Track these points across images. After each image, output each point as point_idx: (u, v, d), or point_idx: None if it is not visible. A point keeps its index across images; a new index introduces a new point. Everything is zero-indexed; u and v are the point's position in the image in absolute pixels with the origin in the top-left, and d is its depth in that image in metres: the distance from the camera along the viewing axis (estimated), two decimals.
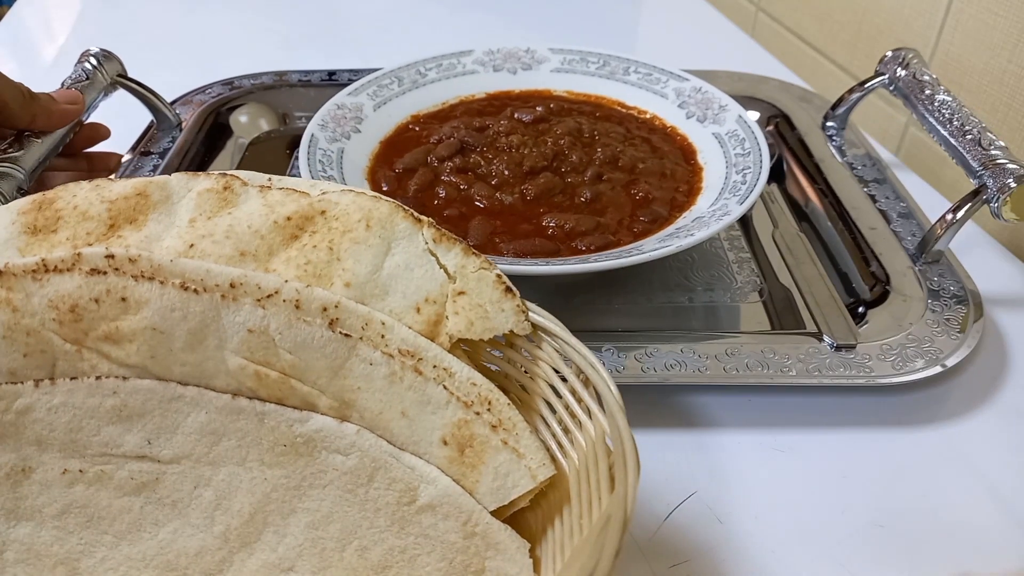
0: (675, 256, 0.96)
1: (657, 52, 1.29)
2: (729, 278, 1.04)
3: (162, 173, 1.06)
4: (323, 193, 0.66)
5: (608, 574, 0.47)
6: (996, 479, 0.79)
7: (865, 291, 0.99)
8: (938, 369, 0.85)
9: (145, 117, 1.25)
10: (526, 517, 0.64)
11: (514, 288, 0.64)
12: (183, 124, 1.28)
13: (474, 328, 0.63)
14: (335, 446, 0.62)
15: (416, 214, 0.65)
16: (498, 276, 0.64)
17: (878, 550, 0.73)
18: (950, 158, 1.04)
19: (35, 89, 0.95)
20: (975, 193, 0.97)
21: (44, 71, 1.60)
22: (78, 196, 0.65)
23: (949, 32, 1.32)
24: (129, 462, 0.62)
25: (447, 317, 0.63)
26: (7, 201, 0.88)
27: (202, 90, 1.38)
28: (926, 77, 1.14)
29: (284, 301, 0.60)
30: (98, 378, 0.61)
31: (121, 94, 1.19)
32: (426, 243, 0.65)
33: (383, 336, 0.61)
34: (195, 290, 0.60)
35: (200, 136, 1.28)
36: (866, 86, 1.24)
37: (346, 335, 0.61)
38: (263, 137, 1.35)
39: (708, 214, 0.98)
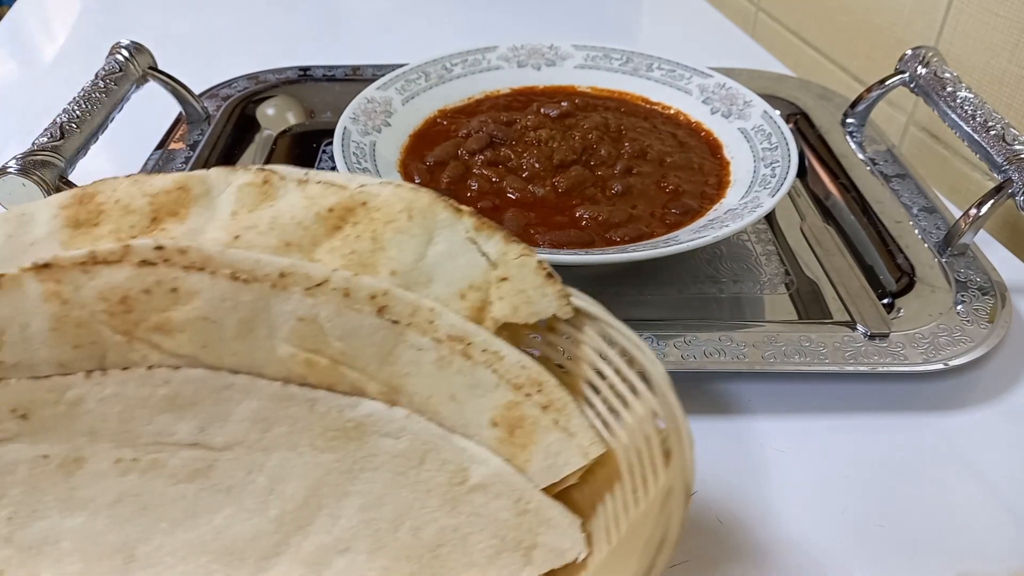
0: (704, 249, 1.02)
1: (657, 52, 1.31)
2: (757, 270, 1.07)
3: (194, 165, 1.16)
4: (361, 186, 0.68)
5: (676, 542, 0.50)
6: (997, 478, 0.81)
7: (891, 283, 1.02)
8: (973, 356, 0.88)
9: (151, 113, 1.28)
10: (572, 496, 0.66)
11: (555, 273, 0.66)
12: (210, 117, 1.31)
13: (519, 313, 0.65)
14: (385, 430, 0.64)
15: (456, 204, 0.68)
16: (539, 262, 0.66)
17: (878, 550, 0.74)
18: (951, 157, 1.09)
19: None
20: (999, 188, 1.00)
21: (44, 71, 1.63)
22: (118, 190, 0.67)
23: (949, 32, 1.34)
24: (182, 450, 0.64)
25: (491, 303, 0.66)
26: (49, 189, 0.93)
27: (227, 84, 1.41)
28: (947, 75, 1.16)
29: (333, 290, 0.62)
30: (149, 368, 0.63)
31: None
32: (467, 232, 0.67)
33: (431, 322, 0.64)
34: (245, 280, 0.62)
35: (228, 129, 1.32)
36: (886, 84, 1.26)
37: (394, 322, 0.63)
38: (290, 130, 1.38)
39: (740, 206, 1.00)
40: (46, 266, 0.61)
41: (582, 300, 0.67)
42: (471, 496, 0.64)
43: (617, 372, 0.64)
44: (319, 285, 0.63)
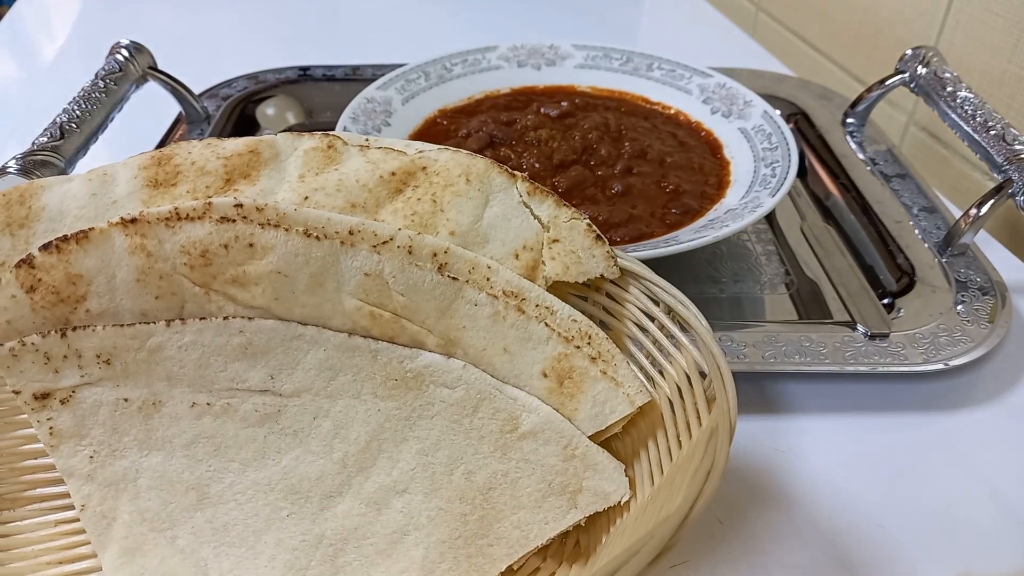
0: (704, 249, 1.02)
1: (658, 52, 1.32)
2: (757, 270, 1.08)
3: None
4: (420, 152, 0.73)
5: (722, 475, 0.53)
6: (997, 478, 0.82)
7: (891, 283, 1.03)
8: (974, 356, 0.89)
9: (151, 113, 1.31)
10: (615, 445, 0.71)
11: (603, 236, 0.71)
12: (210, 117, 1.32)
13: (569, 272, 0.70)
14: (442, 380, 0.69)
15: (510, 170, 0.72)
16: (588, 225, 0.71)
17: (878, 550, 0.75)
18: (951, 157, 1.10)
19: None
20: (999, 188, 1.01)
21: (44, 71, 1.64)
22: (193, 153, 0.72)
23: (949, 32, 1.35)
24: (253, 396, 0.69)
25: (543, 263, 0.70)
26: None
27: (227, 84, 1.43)
28: (947, 75, 1.17)
29: (398, 247, 0.67)
30: (225, 319, 0.68)
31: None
32: (520, 196, 0.72)
33: (488, 279, 0.69)
34: (317, 237, 0.67)
35: (228, 129, 1.33)
36: (886, 84, 1.27)
37: (453, 278, 0.68)
38: (290, 130, 1.28)
39: (740, 206, 1.01)
40: (133, 221, 0.66)
41: (628, 261, 0.71)
42: (521, 443, 0.69)
43: (661, 327, 0.69)
44: (385, 243, 0.68)
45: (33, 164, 0.95)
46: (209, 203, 0.66)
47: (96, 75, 1.15)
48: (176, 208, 0.66)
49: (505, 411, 0.69)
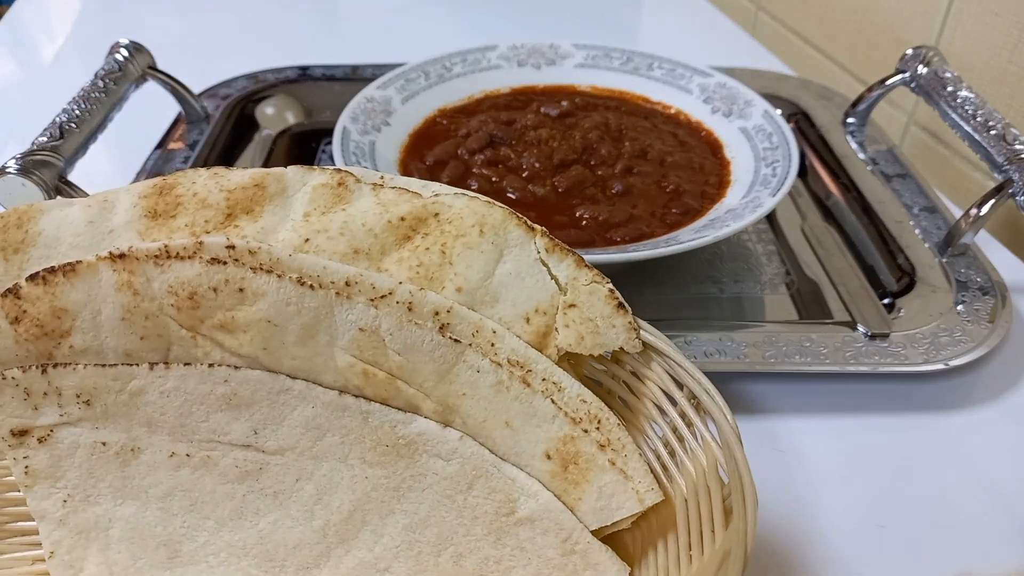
0: (704, 249, 0.98)
1: (658, 51, 1.27)
2: (758, 270, 1.04)
3: (193, 164, 1.14)
4: (436, 195, 0.64)
5: None
6: (997, 478, 0.79)
7: (892, 283, 0.99)
8: (974, 356, 0.85)
9: (151, 113, 1.25)
10: (623, 539, 0.62)
11: (626, 304, 0.62)
12: (210, 117, 1.27)
13: (584, 343, 0.61)
14: (436, 450, 0.61)
15: (529, 222, 0.64)
16: (610, 291, 0.62)
17: (878, 550, 0.72)
18: (952, 157, 1.06)
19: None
20: (1000, 188, 0.97)
21: (44, 71, 1.58)
22: (197, 183, 0.64)
23: (949, 32, 1.31)
24: (235, 450, 0.61)
25: (557, 329, 0.61)
26: (48, 188, 0.89)
27: (227, 83, 1.37)
28: (948, 74, 1.12)
29: (397, 303, 0.59)
30: (211, 366, 0.60)
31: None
32: (538, 252, 0.63)
33: (493, 344, 0.60)
34: (311, 286, 0.58)
35: (227, 128, 1.27)
36: (887, 83, 1.22)
37: (456, 340, 0.59)
38: (289, 130, 1.33)
39: (741, 206, 0.97)
40: (121, 256, 0.59)
41: (651, 335, 0.62)
42: (518, 529, 0.61)
43: (682, 415, 0.60)
44: (384, 297, 0.59)
45: (33, 164, 0.90)
46: (200, 243, 0.59)
47: (96, 75, 1.10)
48: (166, 245, 0.59)
49: (502, 492, 0.60)
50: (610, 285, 0.62)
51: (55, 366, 0.60)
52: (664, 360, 0.61)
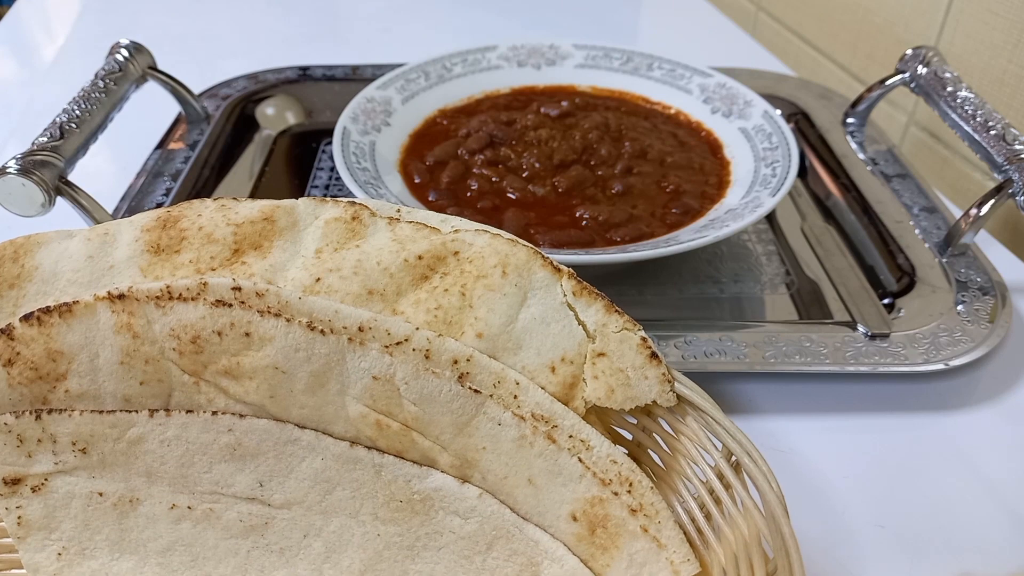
0: (704, 249, 0.96)
1: (658, 52, 1.23)
2: (757, 270, 0.99)
3: (193, 165, 1.10)
4: (455, 231, 0.58)
5: None
6: (997, 478, 0.76)
7: (892, 283, 0.95)
8: (974, 356, 0.82)
9: (151, 113, 1.21)
10: None
11: (659, 353, 0.55)
12: (210, 117, 1.23)
13: (614, 396, 0.54)
14: (454, 508, 0.54)
15: (555, 263, 0.57)
16: (643, 339, 0.55)
17: (878, 550, 0.69)
18: (951, 157, 1.03)
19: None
20: (999, 188, 0.93)
21: (44, 71, 1.54)
22: (203, 216, 0.58)
23: (949, 32, 1.26)
24: (239, 503, 0.55)
25: (584, 381, 0.55)
26: (48, 188, 0.85)
27: (227, 84, 1.33)
28: (947, 74, 1.07)
29: (414, 350, 0.52)
30: (214, 413, 0.54)
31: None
32: (564, 296, 0.56)
33: (516, 396, 0.53)
34: (322, 331, 0.52)
35: (227, 129, 1.23)
36: (887, 84, 1.16)
37: (476, 391, 0.53)
38: (289, 130, 1.28)
39: (740, 206, 0.93)
40: (120, 296, 0.53)
41: (687, 387, 0.55)
42: None
43: (720, 476, 0.53)
44: (399, 344, 0.53)
45: (33, 164, 0.85)
46: (204, 283, 0.52)
47: (96, 75, 1.05)
48: (168, 286, 0.53)
49: (524, 555, 0.54)
50: (643, 332, 0.55)
51: (50, 412, 0.55)
52: (701, 415, 0.55)
